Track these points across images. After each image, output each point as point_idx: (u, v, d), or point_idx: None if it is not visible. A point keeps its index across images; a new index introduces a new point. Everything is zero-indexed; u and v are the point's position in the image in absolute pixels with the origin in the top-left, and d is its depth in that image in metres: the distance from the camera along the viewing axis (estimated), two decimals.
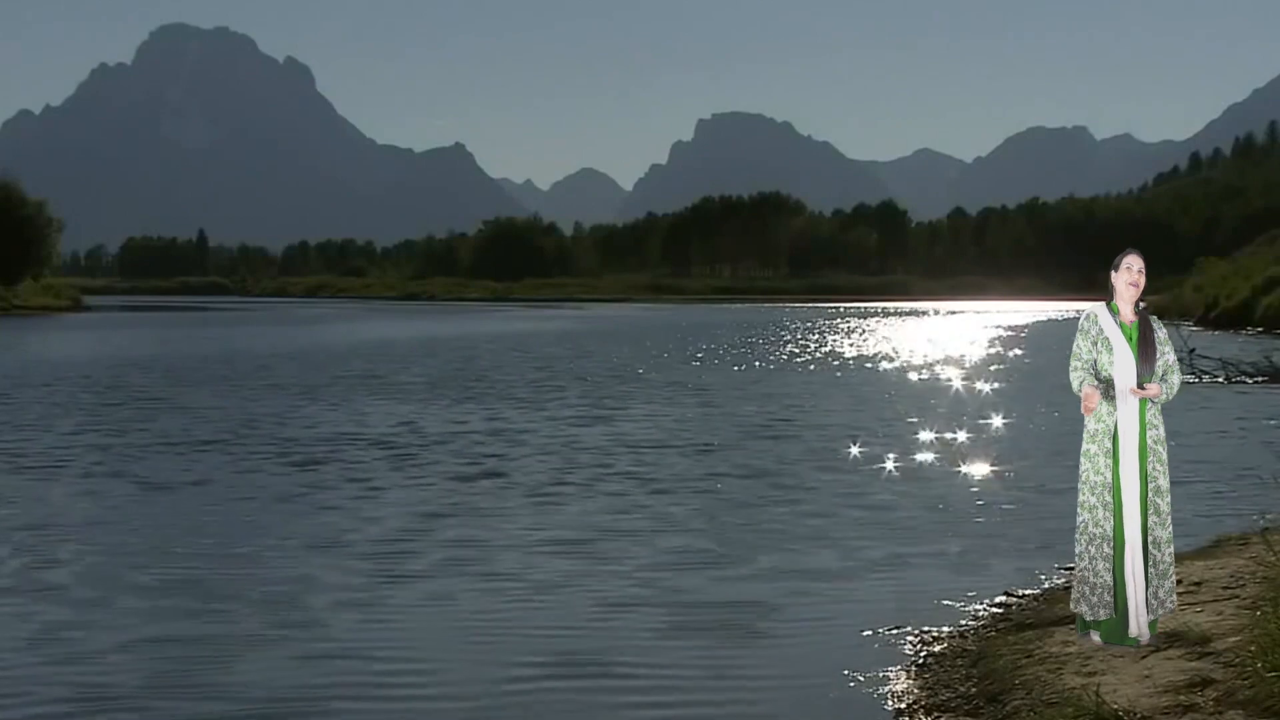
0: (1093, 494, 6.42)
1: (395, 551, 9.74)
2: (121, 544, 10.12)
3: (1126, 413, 6.35)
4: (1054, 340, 48.18)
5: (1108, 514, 6.38)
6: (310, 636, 7.48)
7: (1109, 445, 6.38)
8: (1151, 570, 6.33)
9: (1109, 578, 6.36)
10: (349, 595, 8.43)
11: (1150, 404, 6.38)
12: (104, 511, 11.57)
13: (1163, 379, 6.43)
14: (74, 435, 17.26)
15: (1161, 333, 6.46)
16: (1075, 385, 6.46)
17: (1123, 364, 6.37)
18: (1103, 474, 6.39)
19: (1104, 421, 6.41)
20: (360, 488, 12.81)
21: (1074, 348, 6.50)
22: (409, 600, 8.36)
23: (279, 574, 9.03)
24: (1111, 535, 6.36)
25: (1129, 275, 6.43)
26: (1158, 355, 6.38)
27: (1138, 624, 6.34)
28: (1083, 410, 6.39)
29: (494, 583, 8.80)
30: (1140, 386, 6.33)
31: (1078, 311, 6.62)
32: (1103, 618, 6.39)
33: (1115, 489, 6.35)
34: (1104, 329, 6.43)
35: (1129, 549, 6.31)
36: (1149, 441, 6.35)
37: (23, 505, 11.89)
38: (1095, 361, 6.43)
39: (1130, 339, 6.39)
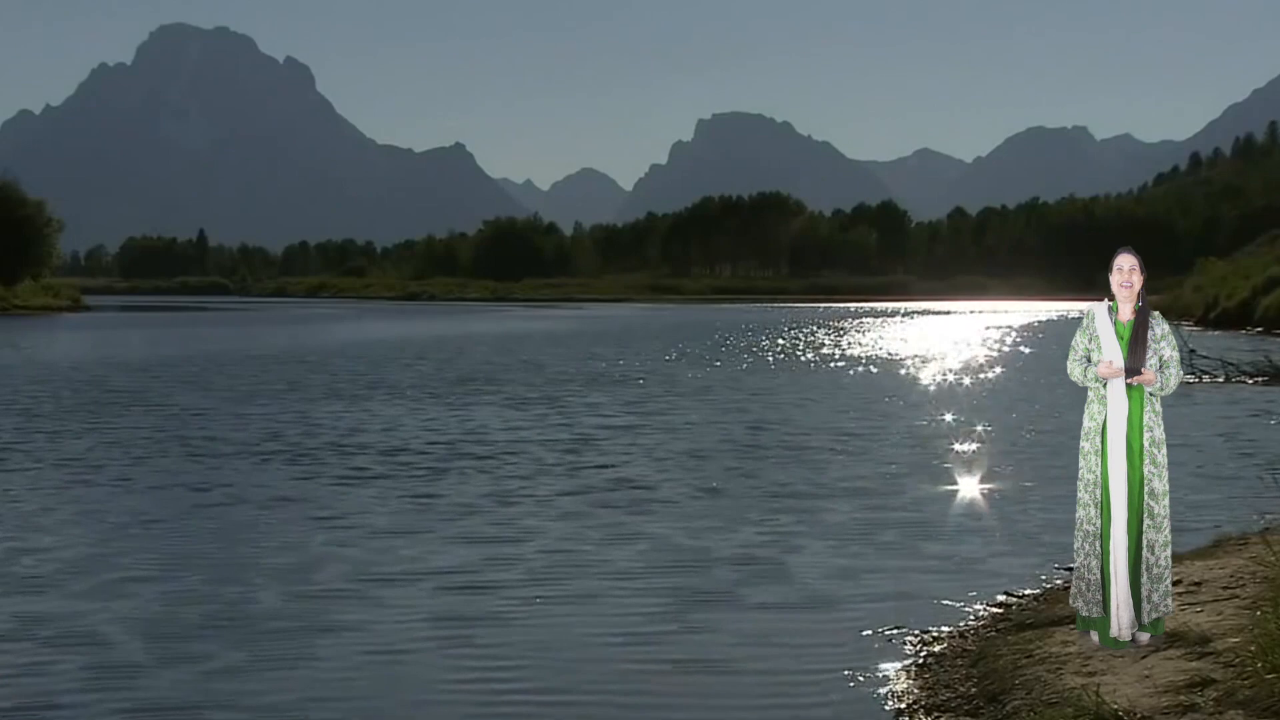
0: (1085, 491, 6.45)
1: (416, 586, 9.13)
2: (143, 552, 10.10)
3: (1116, 411, 6.34)
4: (1057, 340, 48.18)
5: (1097, 512, 6.38)
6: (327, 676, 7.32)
7: (1099, 444, 6.38)
8: (1145, 574, 6.30)
9: (1099, 575, 6.36)
10: (374, 634, 7.91)
11: (1146, 405, 6.36)
12: (118, 518, 11.53)
13: (1158, 372, 6.42)
14: (80, 440, 17.24)
15: (1160, 329, 6.42)
16: (1074, 374, 6.51)
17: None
18: (1094, 472, 6.40)
19: (1095, 420, 6.42)
20: (397, 502, 12.08)
21: (1072, 343, 6.56)
22: (429, 631, 7.91)
23: (297, 603, 8.52)
24: (1100, 533, 6.36)
25: (1120, 276, 6.45)
26: (1149, 354, 6.35)
27: (1118, 624, 6.32)
28: (1108, 374, 6.34)
29: (497, 627, 8.59)
30: (1128, 387, 6.32)
31: (1080, 311, 6.62)
32: (1095, 615, 6.38)
33: (1104, 487, 6.35)
34: (1098, 328, 6.43)
35: (1114, 548, 6.30)
36: (1144, 444, 6.33)
37: (52, 513, 11.87)
38: (1089, 358, 6.47)
39: (1123, 338, 6.39)
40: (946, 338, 52.37)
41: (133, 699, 6.39)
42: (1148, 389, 6.34)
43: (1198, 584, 7.53)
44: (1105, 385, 6.38)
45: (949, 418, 19.41)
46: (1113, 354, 6.36)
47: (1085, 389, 6.52)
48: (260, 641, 7.35)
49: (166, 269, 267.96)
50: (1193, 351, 27.07)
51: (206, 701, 6.35)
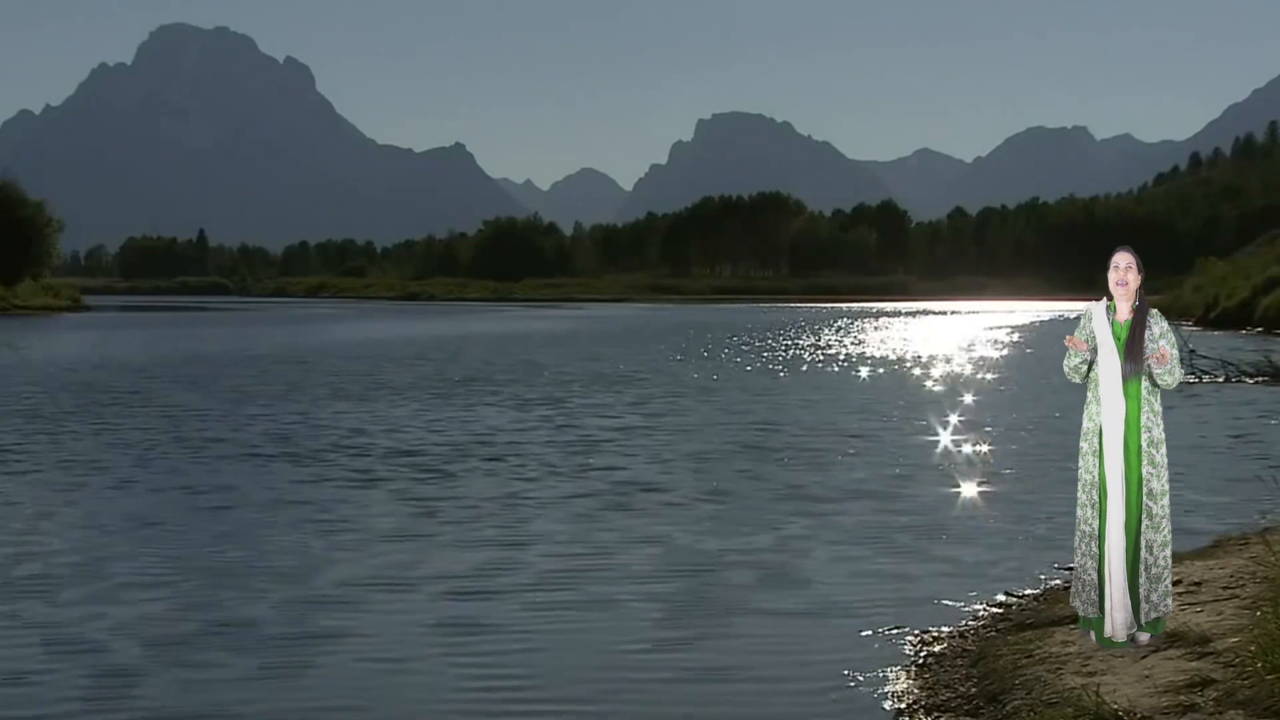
0: (1083, 492, 6.46)
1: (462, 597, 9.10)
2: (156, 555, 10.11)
3: (1112, 411, 6.35)
4: (1058, 340, 48.13)
5: (1094, 513, 6.40)
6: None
7: (1097, 445, 6.41)
8: (1143, 574, 6.31)
9: (1096, 576, 6.38)
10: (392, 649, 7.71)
11: (1144, 405, 6.36)
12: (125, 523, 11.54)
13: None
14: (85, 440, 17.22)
15: (1158, 328, 6.40)
16: (1067, 369, 6.58)
17: (1107, 362, 6.38)
18: (1091, 473, 6.42)
19: (1094, 420, 6.43)
20: (401, 505, 12.00)
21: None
22: (434, 637, 7.96)
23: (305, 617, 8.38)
24: (1097, 534, 6.38)
25: (1115, 274, 6.46)
26: (1146, 354, 6.37)
27: (1112, 624, 6.33)
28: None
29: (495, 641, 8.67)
30: (1125, 387, 6.33)
31: (1079, 311, 6.65)
32: (1092, 615, 6.41)
33: (1101, 488, 6.38)
34: (1095, 328, 6.45)
35: (1109, 548, 6.32)
36: (1142, 444, 6.33)
37: (56, 519, 11.86)
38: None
39: (1119, 338, 6.40)
40: (947, 338, 52.34)
41: (132, 706, 6.37)
42: (1146, 386, 6.36)
43: (1198, 584, 7.56)
44: (1101, 385, 6.40)
45: (951, 418, 19.43)
46: (1109, 355, 6.37)
47: (1085, 389, 6.54)
48: (262, 648, 7.32)
49: (166, 269, 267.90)
50: (1193, 351, 27.07)
51: (207, 709, 6.33)
